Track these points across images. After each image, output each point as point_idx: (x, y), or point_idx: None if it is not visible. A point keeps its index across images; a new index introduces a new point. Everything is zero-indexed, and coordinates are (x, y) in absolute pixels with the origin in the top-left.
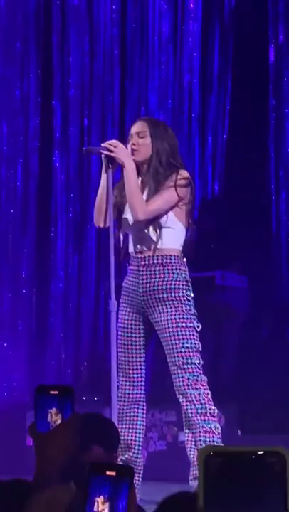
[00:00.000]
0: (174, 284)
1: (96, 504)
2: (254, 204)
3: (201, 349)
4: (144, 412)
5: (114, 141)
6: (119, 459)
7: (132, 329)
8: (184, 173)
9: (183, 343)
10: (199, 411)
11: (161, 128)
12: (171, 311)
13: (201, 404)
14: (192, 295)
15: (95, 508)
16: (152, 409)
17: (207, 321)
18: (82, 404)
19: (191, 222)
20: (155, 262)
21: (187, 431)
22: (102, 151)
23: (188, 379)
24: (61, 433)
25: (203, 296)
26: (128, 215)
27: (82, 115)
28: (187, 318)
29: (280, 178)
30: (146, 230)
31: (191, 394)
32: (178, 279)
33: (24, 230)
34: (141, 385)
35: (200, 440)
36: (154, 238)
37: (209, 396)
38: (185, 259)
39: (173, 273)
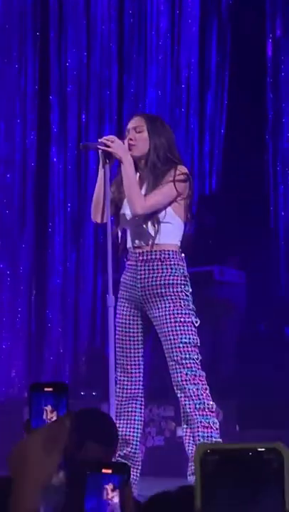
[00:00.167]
0: (172, 280)
1: (105, 491)
2: (252, 199)
3: (199, 344)
4: (142, 407)
5: (111, 137)
6: (117, 455)
7: (130, 324)
8: (183, 168)
9: (181, 339)
10: (197, 406)
11: (158, 123)
12: (170, 307)
13: (200, 399)
14: (190, 290)
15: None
16: (150, 404)
17: (205, 316)
18: (80, 400)
19: (189, 216)
20: (153, 257)
21: (185, 426)
22: (99, 146)
23: (187, 374)
24: (54, 431)
25: (201, 291)
26: (126, 210)
27: (79, 110)
28: (185, 314)
29: (278, 173)
30: (144, 225)
31: (189, 389)
32: (176, 274)
33: (22, 225)
34: (139, 380)
35: (198, 435)
36: (153, 233)
37: (207, 391)
38: (183, 255)
39: (171, 268)
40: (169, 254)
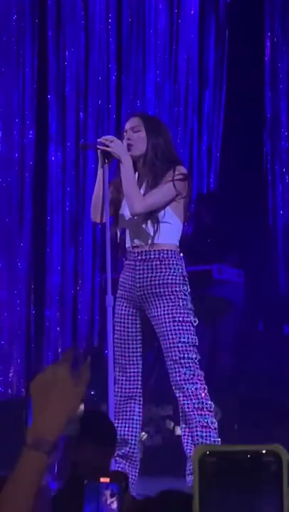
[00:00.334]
0: (171, 279)
1: (104, 497)
2: (250, 197)
3: (197, 344)
4: (141, 406)
5: (110, 137)
6: (116, 454)
7: (129, 324)
8: (182, 168)
9: (180, 338)
10: (196, 406)
11: (155, 122)
12: (168, 306)
13: (198, 399)
14: (189, 290)
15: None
16: (149, 403)
17: (204, 314)
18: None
19: (188, 214)
20: (152, 256)
21: (184, 426)
22: (98, 146)
23: (185, 374)
24: None
25: (199, 290)
26: (125, 211)
27: (77, 109)
28: (184, 313)
29: (276, 171)
30: (143, 225)
31: (187, 389)
32: (175, 273)
33: (20, 224)
34: (137, 380)
35: (196, 435)
36: (152, 233)
37: (206, 391)
38: (182, 254)
39: (170, 268)
40: (167, 254)
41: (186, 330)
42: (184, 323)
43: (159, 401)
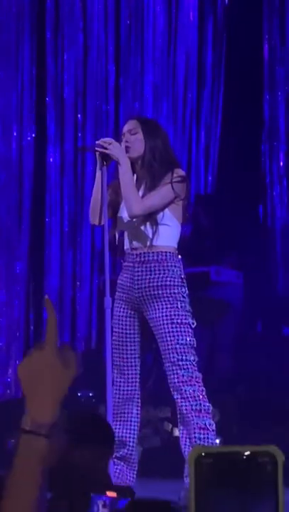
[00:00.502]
0: (169, 281)
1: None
2: (248, 199)
3: (195, 346)
4: (139, 408)
5: (108, 139)
6: (114, 456)
7: (127, 326)
8: (180, 171)
9: (178, 340)
10: (194, 408)
11: (153, 125)
12: (166, 308)
13: (196, 401)
14: (187, 292)
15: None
16: (147, 405)
17: (202, 316)
18: (77, 401)
19: (187, 216)
20: (150, 258)
21: (182, 427)
22: (97, 148)
23: (183, 375)
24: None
25: (198, 291)
26: (123, 213)
27: (76, 111)
28: (182, 315)
29: (274, 173)
30: (142, 227)
31: (185, 391)
32: (173, 275)
33: (19, 226)
34: (135, 382)
35: (194, 437)
36: (150, 235)
37: (204, 393)
38: (180, 256)
39: (168, 270)
40: (166, 256)
41: (185, 332)
42: (182, 325)
43: (157, 403)
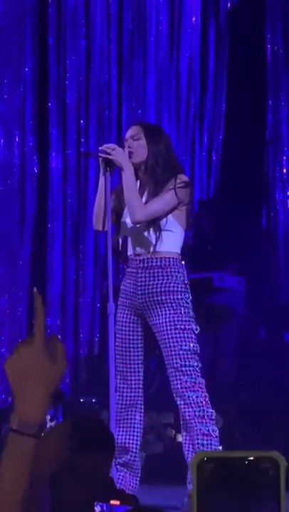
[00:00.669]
0: (173, 287)
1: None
2: (251, 204)
3: (199, 351)
4: (142, 414)
5: (111, 145)
6: (117, 462)
7: (130, 331)
8: (183, 177)
9: (181, 346)
10: (197, 414)
11: (155, 130)
12: (170, 314)
13: (199, 407)
14: (190, 298)
15: None
16: (150, 411)
17: (204, 322)
18: (80, 407)
19: (190, 221)
20: (154, 264)
21: (185, 433)
22: (100, 154)
23: (186, 381)
24: (52, 438)
25: (200, 297)
26: (127, 219)
27: (78, 117)
28: (185, 321)
29: (277, 178)
30: (145, 233)
31: (189, 397)
32: (176, 281)
33: (21, 231)
34: (139, 388)
35: (198, 443)
36: (153, 241)
37: (207, 399)
38: (183, 262)
39: (172, 275)
40: (169, 262)
41: (188, 338)
42: (185, 331)
43: (160, 408)
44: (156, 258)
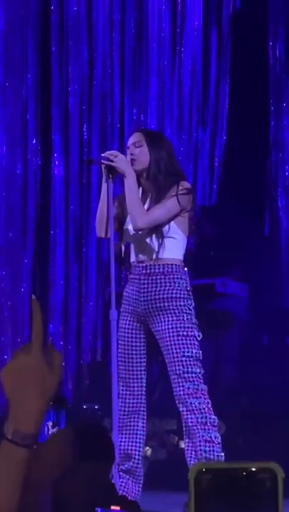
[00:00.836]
0: (175, 293)
1: None
2: (253, 210)
3: (201, 358)
4: (145, 421)
5: (114, 152)
6: (119, 469)
7: (133, 338)
8: (186, 183)
9: (183, 352)
10: (199, 420)
11: (157, 137)
12: (172, 320)
13: (202, 413)
14: (193, 304)
15: None
16: (153, 417)
17: (207, 328)
18: (82, 413)
19: (193, 228)
20: (156, 270)
21: (187, 440)
22: (102, 161)
23: (189, 388)
24: (54, 444)
25: (203, 303)
26: (129, 226)
27: (81, 124)
28: (188, 327)
29: (279, 184)
30: (147, 240)
31: (191, 403)
32: (179, 288)
33: (24, 238)
34: (141, 394)
35: (200, 450)
36: (156, 248)
37: (209, 405)
38: (186, 269)
39: (174, 282)
40: (172, 268)
41: (190, 344)
42: (188, 338)
43: (163, 415)
44: (158, 265)
